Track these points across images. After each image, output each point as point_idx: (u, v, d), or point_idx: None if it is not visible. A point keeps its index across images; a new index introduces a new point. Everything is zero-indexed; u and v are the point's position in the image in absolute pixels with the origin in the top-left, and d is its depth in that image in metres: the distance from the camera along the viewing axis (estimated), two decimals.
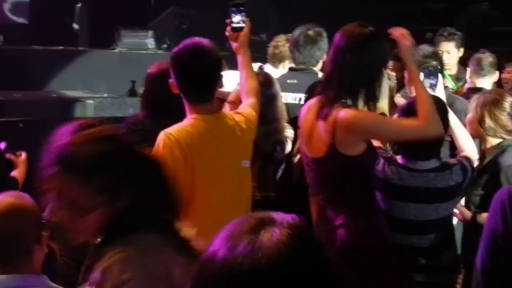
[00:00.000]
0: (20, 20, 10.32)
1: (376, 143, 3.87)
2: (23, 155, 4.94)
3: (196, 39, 3.66)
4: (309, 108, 3.76)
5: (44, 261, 2.77)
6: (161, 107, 4.14)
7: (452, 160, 3.98)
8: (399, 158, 3.93)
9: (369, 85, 3.61)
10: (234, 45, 3.92)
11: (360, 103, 3.59)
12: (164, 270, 2.14)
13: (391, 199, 3.90)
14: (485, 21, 10.56)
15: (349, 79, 3.57)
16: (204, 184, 3.58)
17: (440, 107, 3.82)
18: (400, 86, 5.31)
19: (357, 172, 3.65)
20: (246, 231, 1.26)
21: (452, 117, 4.11)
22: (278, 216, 1.26)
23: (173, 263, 2.14)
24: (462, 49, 6.48)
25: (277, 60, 5.88)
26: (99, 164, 2.09)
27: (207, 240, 3.49)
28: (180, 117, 3.77)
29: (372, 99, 3.62)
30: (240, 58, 3.95)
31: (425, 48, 5.20)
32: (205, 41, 3.64)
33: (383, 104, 4.47)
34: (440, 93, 4.34)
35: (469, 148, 4.10)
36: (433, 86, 4.32)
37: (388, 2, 11.43)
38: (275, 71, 5.69)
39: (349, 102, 3.58)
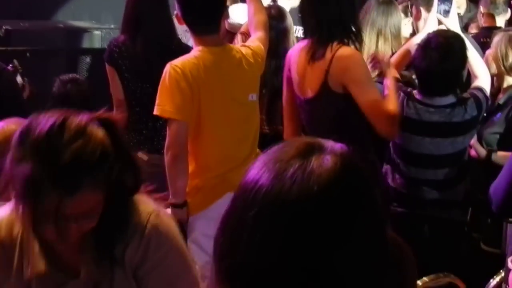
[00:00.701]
0: None
1: (394, 74, 3.88)
2: (27, 89, 4.91)
3: None
4: (299, 50, 3.78)
5: None
6: (146, 29, 4.20)
7: (466, 94, 3.94)
8: (416, 93, 3.91)
9: (353, 20, 3.72)
10: None
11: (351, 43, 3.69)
12: None
13: (407, 133, 3.90)
14: None
15: (340, 16, 3.65)
16: (210, 117, 3.56)
17: (459, 44, 3.85)
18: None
19: (347, 111, 3.68)
20: (294, 156, 1.17)
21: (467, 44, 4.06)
22: (328, 143, 1.21)
23: None
24: None
25: None
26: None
27: (212, 172, 3.54)
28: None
29: (358, 35, 3.73)
30: None
31: None
32: None
33: (391, 44, 4.42)
34: (453, 19, 4.27)
35: (482, 74, 4.04)
36: (446, 12, 4.26)
37: None
38: (287, 3, 5.60)
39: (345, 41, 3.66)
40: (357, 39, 3.75)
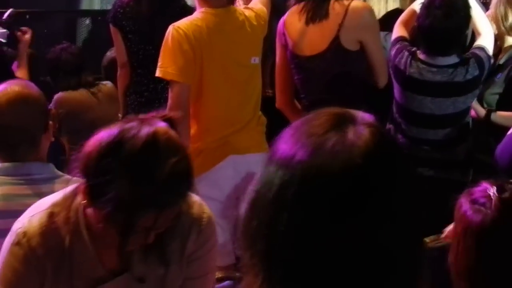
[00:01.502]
0: None
1: (401, 32, 3.90)
2: (29, 33, 4.89)
3: None
4: (292, 14, 3.74)
5: (52, 153, 2.77)
6: None
7: (468, 54, 3.95)
8: (420, 53, 3.91)
9: None
10: None
11: None
12: None
13: (409, 92, 3.92)
14: None
15: None
16: (212, 78, 3.55)
17: (463, 2, 3.86)
18: None
19: (354, 68, 3.68)
20: (328, 128, 1.12)
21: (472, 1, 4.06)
22: (357, 113, 1.16)
23: None
24: None
25: None
26: None
27: (214, 135, 3.54)
28: None
29: None
30: None
31: None
32: None
33: (400, 3, 4.40)
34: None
35: (485, 31, 4.03)
36: None
37: None
38: None
39: None
40: None
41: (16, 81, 2.67)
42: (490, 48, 3.99)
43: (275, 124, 3.82)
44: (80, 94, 4.96)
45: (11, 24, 4.87)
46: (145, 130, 1.82)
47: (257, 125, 3.72)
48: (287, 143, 1.13)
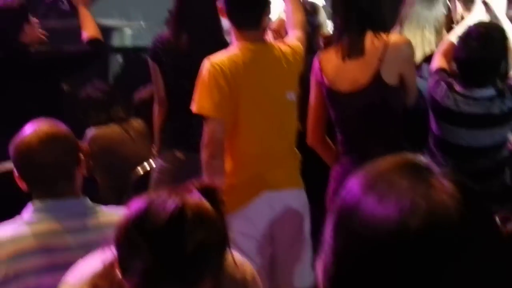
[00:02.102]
0: None
1: (440, 63, 3.92)
2: None
3: None
4: (326, 49, 3.74)
5: (85, 189, 2.78)
6: (192, 26, 4.16)
7: (503, 86, 3.92)
8: (457, 84, 3.90)
9: (383, 11, 3.72)
10: None
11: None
12: None
13: (445, 123, 3.91)
14: None
15: (370, 11, 3.62)
16: (248, 114, 3.54)
17: (500, 34, 3.88)
18: None
19: (394, 103, 3.66)
20: (407, 181, 1.05)
21: (505, 24, 4.08)
22: (429, 162, 1.09)
23: None
24: None
25: None
26: None
27: (249, 170, 3.51)
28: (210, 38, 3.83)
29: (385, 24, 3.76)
30: None
31: None
32: None
33: (424, 35, 4.38)
34: (500, 4, 4.26)
35: None
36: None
37: None
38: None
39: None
40: (385, 29, 3.73)
41: (42, 120, 2.70)
42: None
43: (313, 161, 3.82)
44: (112, 130, 4.96)
45: None
46: (173, 203, 1.77)
47: (293, 161, 3.69)
48: (362, 195, 1.06)
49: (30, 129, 2.62)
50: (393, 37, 3.66)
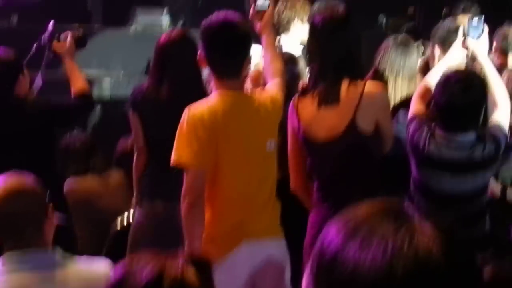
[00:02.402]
0: None
1: (418, 108, 3.95)
2: (69, 36, 4.85)
3: (227, 11, 3.64)
4: (302, 94, 3.76)
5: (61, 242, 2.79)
6: (172, 76, 4.20)
7: (484, 131, 3.93)
8: (438, 129, 3.90)
9: (359, 58, 3.78)
10: (257, 25, 3.88)
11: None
12: None
13: (428, 169, 3.91)
14: None
15: (346, 58, 3.66)
16: (228, 163, 3.54)
17: (479, 79, 3.90)
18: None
19: (370, 150, 3.69)
20: (388, 226, 1.04)
21: (488, 67, 4.10)
22: (406, 206, 1.09)
23: None
24: None
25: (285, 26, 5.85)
26: None
27: (229, 219, 3.50)
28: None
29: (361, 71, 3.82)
30: (264, 38, 3.92)
31: (450, 23, 5.09)
32: (235, 14, 3.63)
33: (408, 85, 4.43)
34: (484, 41, 4.26)
35: (502, 103, 4.02)
36: (478, 36, 4.25)
37: None
38: (292, 46, 5.66)
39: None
40: (361, 76, 3.77)
41: (12, 174, 2.74)
42: (506, 122, 3.98)
43: (293, 208, 3.82)
44: (90, 181, 4.95)
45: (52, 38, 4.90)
46: (150, 272, 1.72)
47: (272, 210, 3.68)
48: (341, 240, 1.05)
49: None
50: (369, 84, 3.68)
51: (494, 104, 4.02)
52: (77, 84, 4.74)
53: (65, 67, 4.87)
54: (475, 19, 4.30)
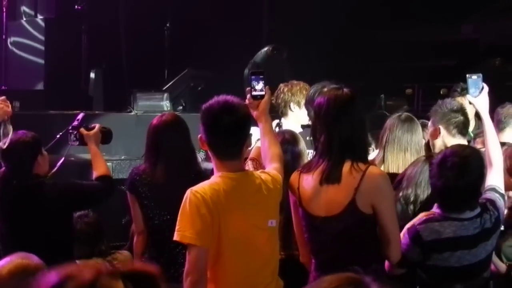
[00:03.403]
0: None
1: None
2: (96, 127, 4.98)
3: (226, 95, 3.69)
4: (306, 173, 3.79)
5: None
6: (167, 157, 4.28)
7: (481, 199, 3.97)
8: (441, 214, 3.89)
9: (364, 140, 3.84)
10: (254, 113, 3.88)
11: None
12: None
13: (448, 252, 3.87)
14: (499, 76, 10.56)
15: (350, 139, 3.71)
16: (230, 241, 3.55)
17: (476, 162, 3.89)
18: None
19: (369, 231, 3.71)
20: None
21: (488, 124, 4.16)
22: (367, 279, 1.15)
23: None
24: None
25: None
26: None
27: None
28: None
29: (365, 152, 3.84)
30: (261, 126, 3.94)
31: (452, 102, 5.17)
32: (234, 98, 3.68)
33: (406, 158, 4.48)
34: (484, 98, 4.28)
35: (496, 163, 4.06)
36: (477, 93, 4.27)
37: (399, 60, 11.51)
38: (293, 127, 5.74)
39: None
40: (364, 158, 3.80)
41: (17, 254, 2.76)
42: (501, 183, 4.03)
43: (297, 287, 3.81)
44: (94, 265, 4.93)
45: (79, 127, 4.99)
46: (59, 277, 1.72)
47: None
48: None
49: (4, 261, 2.69)
50: (371, 168, 3.72)
51: (489, 164, 4.06)
52: (100, 168, 4.86)
53: (90, 153, 4.99)
54: (474, 76, 4.32)
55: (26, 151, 4.65)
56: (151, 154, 4.39)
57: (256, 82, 3.93)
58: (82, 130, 4.96)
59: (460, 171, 3.81)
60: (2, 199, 4.66)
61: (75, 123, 5.02)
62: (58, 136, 5.22)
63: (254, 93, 3.92)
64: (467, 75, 4.33)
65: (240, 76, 9.39)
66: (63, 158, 5.24)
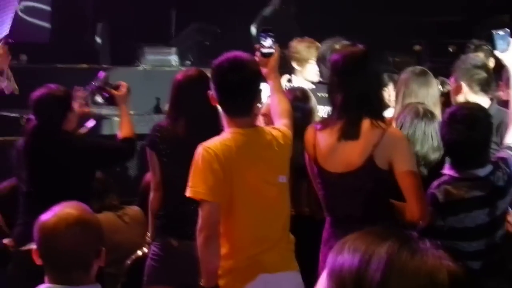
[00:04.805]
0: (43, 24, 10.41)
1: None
2: (123, 86, 5.00)
3: (236, 52, 3.68)
4: (322, 125, 3.83)
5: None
6: (188, 112, 4.28)
7: (493, 158, 3.97)
8: (454, 173, 3.88)
9: (381, 95, 3.87)
10: (264, 70, 3.87)
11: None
12: None
13: (463, 213, 3.85)
14: None
15: (367, 95, 3.73)
16: (242, 197, 3.57)
17: (484, 114, 3.93)
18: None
19: (385, 187, 3.72)
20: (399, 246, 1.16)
21: None
22: (411, 233, 1.19)
23: None
24: (492, 59, 6.33)
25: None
26: None
27: (245, 253, 3.53)
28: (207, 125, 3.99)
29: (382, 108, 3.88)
30: (271, 83, 3.95)
31: (475, 58, 5.13)
32: (244, 54, 3.68)
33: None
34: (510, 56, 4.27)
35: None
36: (506, 48, 4.27)
37: (406, 16, 11.41)
38: (304, 83, 5.74)
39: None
40: (381, 115, 3.81)
41: (72, 204, 2.68)
42: None
43: (307, 243, 3.83)
44: (106, 217, 4.97)
45: (104, 86, 4.99)
46: None
47: (287, 244, 3.71)
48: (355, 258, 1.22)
49: (59, 210, 2.61)
50: (392, 129, 3.77)
51: (511, 121, 4.06)
52: (127, 129, 4.88)
53: (119, 112, 5.05)
54: (500, 32, 4.31)
55: (57, 105, 4.65)
56: (173, 109, 4.38)
57: (266, 39, 3.93)
58: (112, 90, 4.94)
59: (472, 122, 3.82)
60: (30, 153, 4.65)
61: (97, 83, 4.99)
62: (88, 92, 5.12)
63: (263, 50, 3.91)
64: (492, 31, 4.30)
65: (248, 32, 9.36)
66: (94, 121, 5.24)
